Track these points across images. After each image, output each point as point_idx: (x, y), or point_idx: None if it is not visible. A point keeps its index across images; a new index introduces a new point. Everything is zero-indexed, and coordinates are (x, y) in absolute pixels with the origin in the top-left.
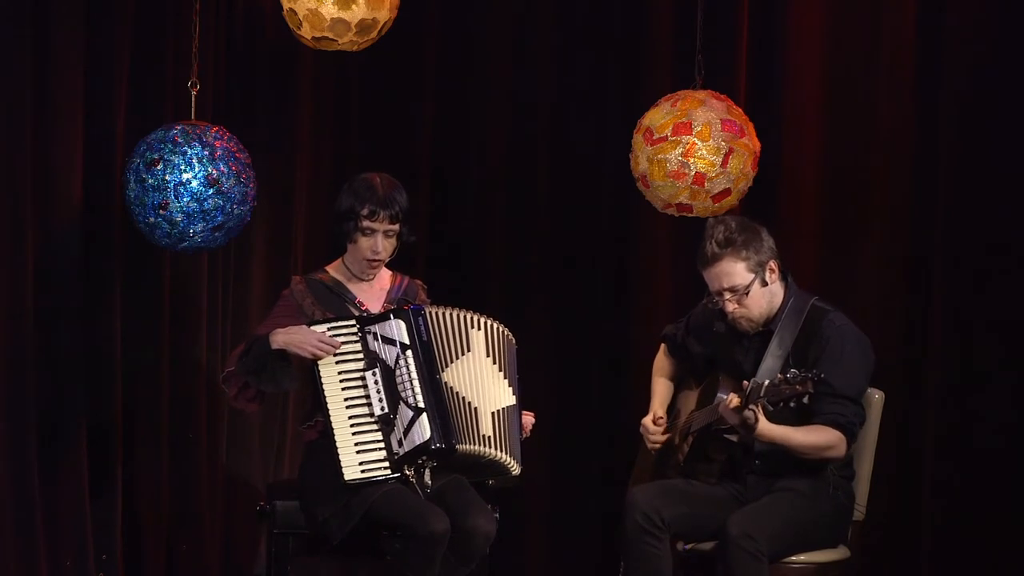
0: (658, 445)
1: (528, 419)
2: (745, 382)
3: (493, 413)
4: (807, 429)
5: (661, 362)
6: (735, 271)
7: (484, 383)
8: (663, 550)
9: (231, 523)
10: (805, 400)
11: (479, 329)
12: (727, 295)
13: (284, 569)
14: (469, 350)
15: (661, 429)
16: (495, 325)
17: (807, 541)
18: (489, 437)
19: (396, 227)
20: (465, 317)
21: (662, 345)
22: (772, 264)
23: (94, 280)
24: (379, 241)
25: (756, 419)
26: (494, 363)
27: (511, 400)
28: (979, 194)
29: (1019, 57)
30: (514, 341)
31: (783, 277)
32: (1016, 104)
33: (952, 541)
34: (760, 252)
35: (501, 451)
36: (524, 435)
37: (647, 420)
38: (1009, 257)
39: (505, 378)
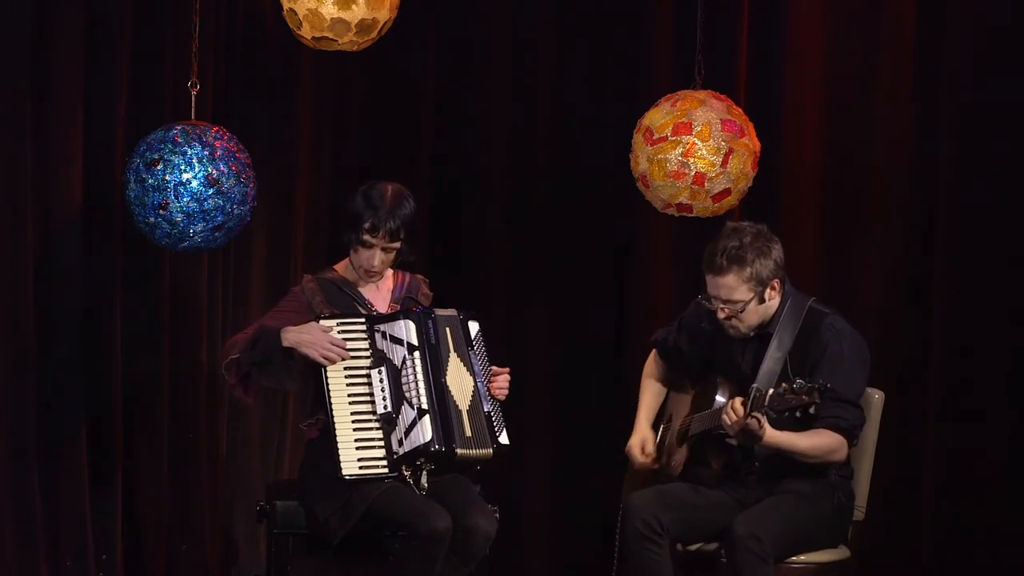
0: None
1: (501, 380)
2: (751, 389)
3: (466, 411)
4: (809, 434)
5: (650, 369)
6: (736, 288)
7: (459, 381)
8: (663, 556)
9: (231, 523)
10: (811, 411)
11: (448, 326)
12: (722, 304)
13: (284, 569)
14: (450, 351)
15: (648, 461)
16: (450, 314)
17: (809, 542)
18: (470, 438)
19: (396, 244)
20: (448, 317)
21: (652, 351)
22: (775, 283)
23: (94, 280)
24: (376, 255)
25: (761, 429)
26: (458, 355)
27: (471, 383)
28: (979, 193)
29: (1019, 57)
30: (454, 312)
31: (782, 285)
32: (1016, 103)
33: (952, 541)
34: (765, 272)
35: (479, 448)
36: (501, 398)
37: (635, 446)
38: (1009, 257)
39: (463, 363)
